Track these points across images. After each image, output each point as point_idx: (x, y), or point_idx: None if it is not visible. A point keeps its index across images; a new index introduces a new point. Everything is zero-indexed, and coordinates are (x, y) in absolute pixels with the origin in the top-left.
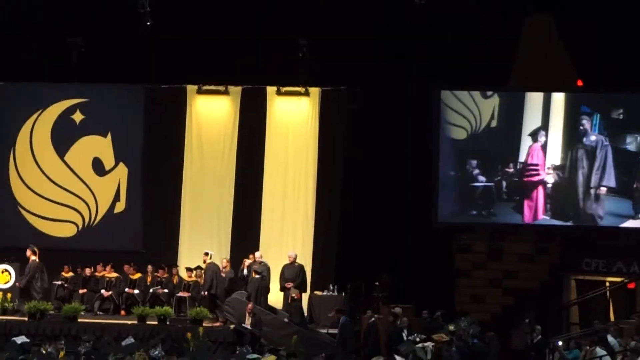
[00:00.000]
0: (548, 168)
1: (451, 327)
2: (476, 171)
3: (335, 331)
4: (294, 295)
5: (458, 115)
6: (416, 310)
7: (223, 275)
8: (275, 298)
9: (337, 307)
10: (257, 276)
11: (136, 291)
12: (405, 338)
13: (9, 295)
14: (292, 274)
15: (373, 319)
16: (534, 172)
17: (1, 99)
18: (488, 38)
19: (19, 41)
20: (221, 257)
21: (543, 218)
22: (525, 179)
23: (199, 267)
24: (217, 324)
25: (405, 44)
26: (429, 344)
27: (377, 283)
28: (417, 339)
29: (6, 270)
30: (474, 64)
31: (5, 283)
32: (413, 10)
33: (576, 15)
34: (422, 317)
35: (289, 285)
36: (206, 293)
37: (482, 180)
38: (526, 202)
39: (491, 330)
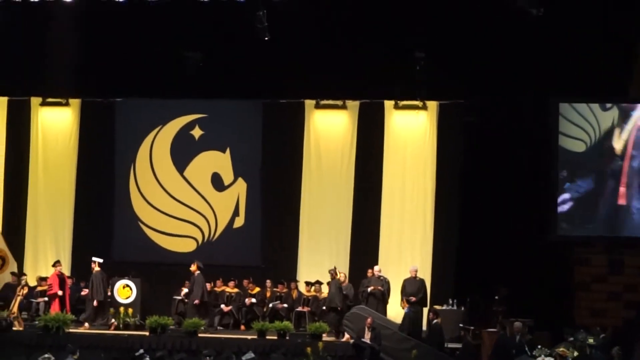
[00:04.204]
0: None
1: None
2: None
3: (457, 345)
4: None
5: (577, 128)
6: (535, 324)
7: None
8: (395, 312)
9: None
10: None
11: (254, 300)
12: (528, 352)
13: (130, 310)
14: (414, 288)
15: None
16: None
17: (121, 116)
18: (606, 48)
19: (138, 58)
20: (341, 270)
21: None
22: None
23: (318, 282)
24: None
25: (523, 55)
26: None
27: (496, 297)
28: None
29: (127, 286)
30: (592, 75)
31: (127, 298)
32: (530, 21)
33: None
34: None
35: (412, 299)
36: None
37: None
38: None
39: (613, 344)
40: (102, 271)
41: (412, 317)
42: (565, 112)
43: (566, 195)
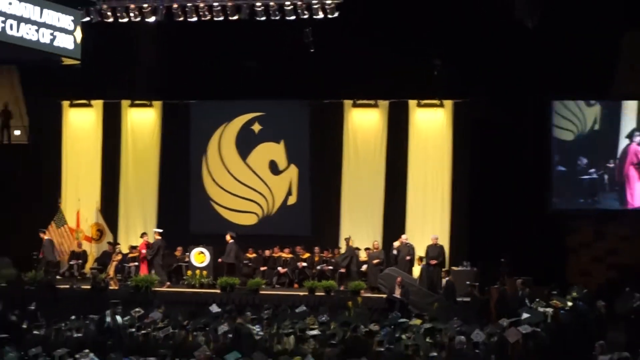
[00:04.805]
0: None
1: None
2: (585, 166)
3: (467, 299)
4: (444, 275)
5: (566, 121)
6: (534, 282)
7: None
8: (419, 272)
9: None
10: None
11: (304, 263)
12: (528, 304)
13: (204, 272)
14: (435, 253)
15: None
16: (637, 167)
17: (195, 115)
18: (591, 54)
19: (208, 66)
20: (375, 239)
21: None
22: (630, 173)
23: (356, 248)
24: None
25: (523, 60)
26: (549, 309)
27: (502, 259)
28: (539, 305)
29: (202, 253)
30: (580, 77)
31: (201, 263)
32: (527, 32)
33: None
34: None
35: (433, 262)
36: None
37: (590, 173)
38: (628, 191)
39: (597, 299)
40: (162, 239)
41: (426, 271)
42: (557, 109)
43: (558, 175)
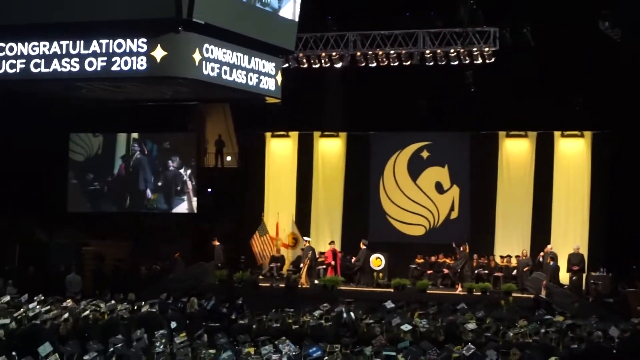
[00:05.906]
0: None
1: None
2: None
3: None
4: (573, 276)
5: None
6: None
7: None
8: (562, 276)
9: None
10: (551, 263)
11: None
12: None
13: (380, 274)
14: (577, 260)
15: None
16: None
17: (374, 144)
18: None
19: (385, 103)
20: (524, 248)
21: None
22: None
23: (508, 255)
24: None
25: None
26: None
27: (634, 267)
28: None
29: (379, 258)
30: None
31: (378, 266)
32: None
33: None
34: None
35: (575, 268)
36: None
37: None
38: None
39: None
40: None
41: (552, 271)
42: None
43: None
